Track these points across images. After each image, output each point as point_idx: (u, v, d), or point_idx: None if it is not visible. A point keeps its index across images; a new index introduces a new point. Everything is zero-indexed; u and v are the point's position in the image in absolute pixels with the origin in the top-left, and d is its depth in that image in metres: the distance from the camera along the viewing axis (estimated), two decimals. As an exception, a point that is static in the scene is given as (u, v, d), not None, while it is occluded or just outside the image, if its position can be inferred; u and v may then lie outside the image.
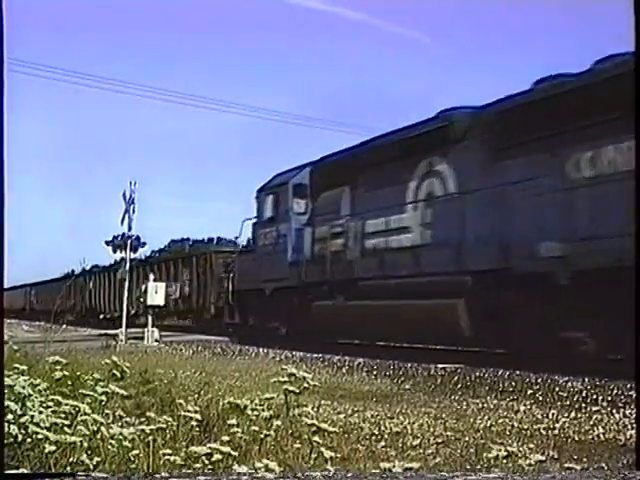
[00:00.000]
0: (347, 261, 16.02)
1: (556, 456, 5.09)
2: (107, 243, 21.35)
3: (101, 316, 33.24)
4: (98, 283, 35.48)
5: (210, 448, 3.75)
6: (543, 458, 4.41)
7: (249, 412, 4.53)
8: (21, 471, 3.58)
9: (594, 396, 8.34)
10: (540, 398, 8.42)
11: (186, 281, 26.83)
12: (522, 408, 7.62)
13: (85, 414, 3.96)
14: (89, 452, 3.71)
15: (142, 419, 4.72)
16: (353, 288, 15.70)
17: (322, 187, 17.42)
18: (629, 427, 6.33)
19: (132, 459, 3.83)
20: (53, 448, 3.63)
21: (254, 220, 20.23)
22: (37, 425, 3.78)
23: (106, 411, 4.47)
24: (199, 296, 25.60)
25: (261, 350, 15.50)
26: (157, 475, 3.67)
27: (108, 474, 3.60)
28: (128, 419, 4.73)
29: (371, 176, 15.48)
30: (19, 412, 3.94)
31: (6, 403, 3.97)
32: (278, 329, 18.62)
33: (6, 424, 3.80)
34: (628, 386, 8.36)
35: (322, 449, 3.95)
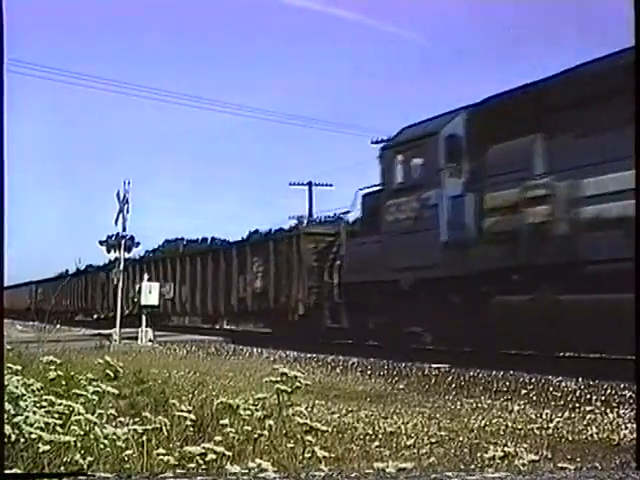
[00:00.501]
0: (558, 237, 11.66)
1: (550, 456, 5.09)
2: (101, 243, 21.21)
3: (111, 314, 30.36)
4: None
5: (204, 448, 3.74)
6: (537, 458, 4.41)
7: (242, 412, 4.52)
8: (20, 471, 3.56)
9: (587, 396, 8.36)
10: (534, 398, 8.43)
11: (258, 273, 21.20)
12: (516, 408, 7.63)
13: (79, 414, 3.96)
14: (82, 452, 3.70)
15: (136, 419, 4.71)
16: (575, 276, 11.20)
17: (489, 138, 13.08)
18: (623, 427, 6.34)
19: (126, 459, 3.82)
20: (47, 448, 3.62)
21: (376, 188, 15.76)
22: (31, 425, 3.77)
23: (100, 411, 4.45)
24: (279, 292, 20.13)
25: (255, 350, 15.53)
26: (150, 475, 3.66)
27: (99, 474, 3.59)
28: (122, 419, 4.72)
29: (583, 116, 11.38)
30: (12, 412, 3.93)
31: None
32: (419, 335, 14.49)
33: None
34: (622, 386, 8.39)
35: (315, 449, 3.95)
